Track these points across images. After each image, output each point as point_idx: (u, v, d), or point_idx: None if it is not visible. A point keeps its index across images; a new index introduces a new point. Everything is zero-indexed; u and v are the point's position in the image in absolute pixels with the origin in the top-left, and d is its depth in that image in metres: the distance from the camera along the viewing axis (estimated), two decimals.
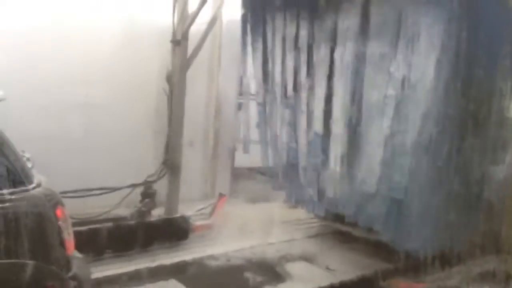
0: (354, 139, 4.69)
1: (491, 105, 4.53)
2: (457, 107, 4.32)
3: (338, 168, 4.79)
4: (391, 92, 4.35)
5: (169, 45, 5.82)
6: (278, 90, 5.60)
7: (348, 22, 4.66)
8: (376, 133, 4.48)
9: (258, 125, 6.05)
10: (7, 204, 2.77)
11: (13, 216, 2.76)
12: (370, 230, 4.82)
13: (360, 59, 4.62)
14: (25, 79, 5.18)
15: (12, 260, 2.72)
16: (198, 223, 5.60)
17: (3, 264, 2.69)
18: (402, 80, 4.30)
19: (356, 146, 4.67)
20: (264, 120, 5.91)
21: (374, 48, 4.50)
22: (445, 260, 4.48)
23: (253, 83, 6.13)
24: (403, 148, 4.30)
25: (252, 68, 6.03)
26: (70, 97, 5.60)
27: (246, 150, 6.22)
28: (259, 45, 5.80)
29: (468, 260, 4.63)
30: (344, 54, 4.70)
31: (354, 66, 4.67)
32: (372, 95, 4.51)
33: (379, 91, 4.46)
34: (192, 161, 6.40)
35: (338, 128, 4.79)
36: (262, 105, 5.92)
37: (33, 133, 5.09)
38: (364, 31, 4.56)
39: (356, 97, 4.68)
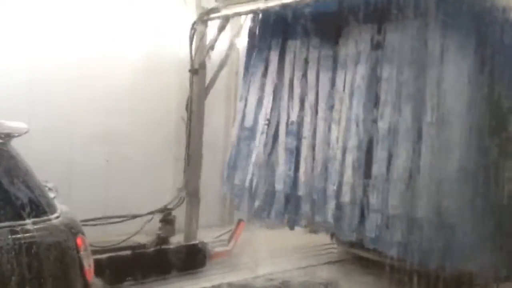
0: (376, 166, 4.64)
1: None
2: (489, 132, 4.24)
3: (360, 194, 4.73)
4: (420, 119, 4.32)
5: (187, 74, 5.97)
6: (288, 116, 5.53)
7: (362, 48, 4.68)
8: (403, 160, 4.43)
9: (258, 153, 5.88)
10: (29, 234, 2.87)
11: (35, 246, 2.85)
12: (389, 255, 4.74)
13: (378, 86, 4.61)
14: (49, 111, 5.38)
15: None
16: (217, 249, 5.62)
17: None
18: (431, 108, 4.26)
19: (379, 172, 4.61)
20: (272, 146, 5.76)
21: (394, 75, 4.49)
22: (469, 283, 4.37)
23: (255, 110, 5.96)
24: (436, 175, 4.24)
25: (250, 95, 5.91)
26: (93, 127, 5.78)
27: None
28: (266, 71, 5.74)
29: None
30: (358, 80, 4.71)
31: (371, 93, 4.67)
32: (396, 122, 4.47)
33: (405, 118, 4.42)
34: (211, 186, 6.46)
35: (358, 155, 4.75)
36: (273, 131, 5.76)
37: (56, 163, 5.26)
38: (378, 58, 4.58)
39: (376, 123, 4.65)
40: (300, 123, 5.20)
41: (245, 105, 5.74)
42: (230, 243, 5.81)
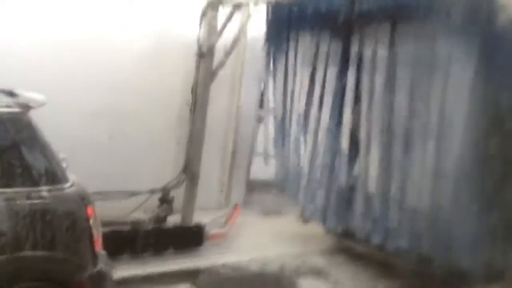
0: (386, 162, 4.79)
1: None
2: (492, 135, 4.37)
3: (369, 188, 4.89)
4: (429, 119, 4.45)
5: (194, 58, 6.05)
6: (297, 107, 5.78)
7: (376, 48, 4.79)
8: (411, 157, 4.58)
9: (275, 140, 6.23)
10: (44, 201, 2.98)
11: (49, 212, 2.97)
12: (381, 247, 4.92)
13: (390, 85, 4.74)
14: (59, 87, 5.41)
15: (46, 253, 2.91)
16: (213, 231, 5.75)
17: (38, 257, 2.88)
18: (438, 110, 4.39)
19: (388, 167, 4.76)
20: (282, 135, 6.07)
21: (405, 75, 4.60)
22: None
23: (272, 99, 6.33)
24: (443, 172, 4.37)
25: (273, 84, 6.25)
26: (99, 105, 5.83)
27: (266, 162, 6.42)
28: (282, 62, 6.01)
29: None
30: (372, 79, 4.84)
31: (383, 92, 4.80)
32: (407, 121, 4.61)
33: (415, 118, 4.55)
34: (210, 170, 6.58)
35: (369, 149, 4.92)
36: (281, 120, 6.09)
37: (63, 136, 5.29)
38: (393, 57, 4.68)
39: (388, 121, 4.77)
40: (306, 115, 5.41)
41: (275, 96, 6.05)
42: (226, 226, 5.95)
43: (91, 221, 3.17)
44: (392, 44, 4.71)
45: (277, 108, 6.11)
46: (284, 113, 5.96)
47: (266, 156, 6.41)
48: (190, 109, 6.08)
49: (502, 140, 4.33)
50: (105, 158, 5.91)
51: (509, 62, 4.35)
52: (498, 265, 4.38)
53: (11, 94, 3.21)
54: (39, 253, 2.88)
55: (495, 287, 4.47)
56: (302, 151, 5.61)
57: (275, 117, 6.24)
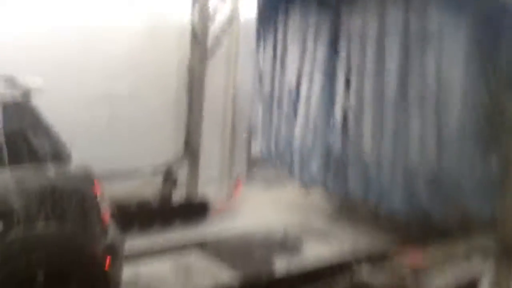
0: (380, 126, 4.99)
1: None
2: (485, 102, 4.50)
3: (364, 151, 5.09)
4: (422, 82, 4.62)
5: (189, 40, 6.17)
6: (289, 81, 5.93)
7: (366, 21, 4.91)
8: (407, 120, 4.77)
9: (263, 115, 6.37)
10: (52, 179, 3.17)
11: (57, 190, 3.16)
12: (380, 207, 5.12)
13: (380, 54, 4.88)
14: (57, 73, 5.56)
15: (57, 228, 3.11)
16: (217, 205, 5.97)
17: (49, 232, 3.09)
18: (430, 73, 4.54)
19: (384, 131, 4.95)
20: (270, 110, 6.24)
21: (395, 45, 4.74)
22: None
23: (263, 75, 6.47)
24: (440, 127, 4.58)
25: (263, 61, 6.37)
26: (97, 89, 5.97)
27: (254, 138, 6.63)
28: (271, 39, 6.14)
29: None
30: (365, 51, 4.97)
31: (376, 63, 4.95)
32: (399, 85, 4.77)
33: (407, 81, 4.72)
34: (210, 147, 6.76)
35: (363, 116, 5.10)
36: (270, 96, 6.24)
37: (63, 121, 5.47)
38: (383, 30, 4.81)
39: (381, 85, 4.93)
40: (298, 88, 5.57)
41: (261, 74, 6.27)
42: (229, 199, 6.16)
43: (98, 197, 3.36)
44: (382, 15, 4.81)
45: (267, 84, 6.25)
46: (273, 88, 6.11)
47: (254, 132, 6.59)
48: (187, 88, 6.23)
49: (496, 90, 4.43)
50: (104, 142, 6.07)
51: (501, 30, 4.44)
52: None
53: (11, 80, 3.36)
54: (51, 228, 3.07)
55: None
56: (294, 123, 5.78)
57: (264, 93, 6.39)
